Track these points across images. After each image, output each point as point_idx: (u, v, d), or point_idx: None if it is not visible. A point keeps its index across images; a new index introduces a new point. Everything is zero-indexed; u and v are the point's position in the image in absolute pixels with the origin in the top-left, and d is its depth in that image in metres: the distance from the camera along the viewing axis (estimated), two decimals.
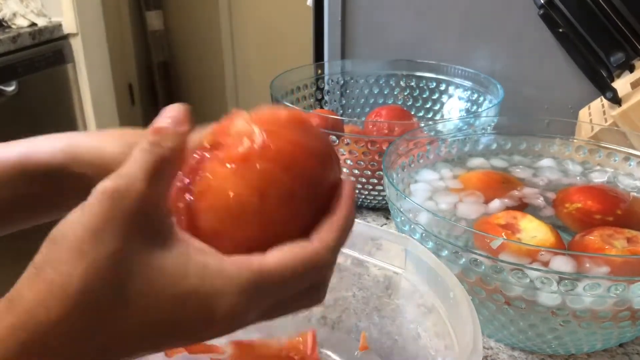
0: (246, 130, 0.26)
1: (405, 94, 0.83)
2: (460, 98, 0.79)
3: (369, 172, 0.63)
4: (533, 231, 0.46)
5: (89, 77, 1.85)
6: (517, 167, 0.60)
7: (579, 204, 0.51)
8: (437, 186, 0.56)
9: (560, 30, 0.71)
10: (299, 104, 0.79)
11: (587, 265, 0.39)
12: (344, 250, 0.44)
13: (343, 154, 0.63)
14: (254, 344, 0.44)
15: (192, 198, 0.26)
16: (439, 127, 0.62)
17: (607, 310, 0.39)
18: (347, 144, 0.62)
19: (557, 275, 0.38)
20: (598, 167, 0.59)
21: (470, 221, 0.50)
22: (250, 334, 0.47)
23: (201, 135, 0.27)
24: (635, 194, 0.55)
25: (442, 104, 0.81)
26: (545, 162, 0.61)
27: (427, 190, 0.55)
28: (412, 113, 0.79)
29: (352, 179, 0.64)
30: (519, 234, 0.46)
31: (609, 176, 0.58)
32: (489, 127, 0.63)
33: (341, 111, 0.85)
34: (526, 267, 0.39)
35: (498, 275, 0.40)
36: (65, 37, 1.79)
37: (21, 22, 1.69)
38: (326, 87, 0.83)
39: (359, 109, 0.85)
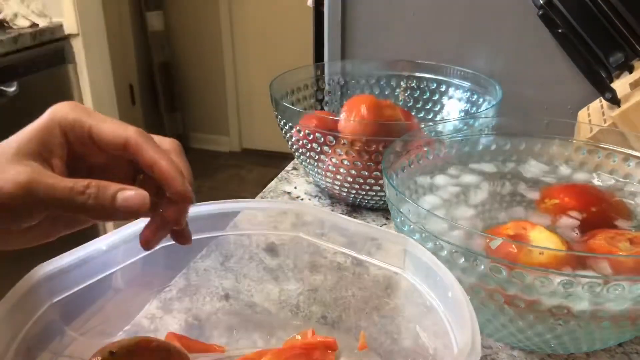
0: None
1: (406, 94, 0.84)
2: (460, 99, 0.79)
3: (366, 173, 0.63)
4: (543, 242, 0.46)
5: (89, 77, 1.85)
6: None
7: (556, 200, 0.52)
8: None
9: (560, 30, 0.71)
10: (299, 105, 0.79)
11: (603, 267, 0.40)
12: (344, 250, 0.44)
13: (340, 155, 0.63)
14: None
15: None
16: (439, 127, 0.63)
17: (626, 311, 0.39)
18: (344, 144, 0.62)
19: (585, 279, 0.38)
20: (586, 170, 0.60)
21: (477, 229, 0.51)
22: (250, 333, 0.47)
23: None
24: (622, 195, 0.55)
25: (443, 105, 0.81)
26: (538, 166, 0.61)
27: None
28: (413, 114, 0.80)
29: (350, 179, 0.65)
30: None
31: (604, 179, 0.58)
32: (486, 128, 0.63)
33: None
34: (552, 272, 0.39)
35: (498, 276, 0.40)
36: (66, 38, 1.79)
37: (22, 23, 1.69)
38: (327, 88, 0.83)
39: None
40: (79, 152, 0.35)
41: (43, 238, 0.36)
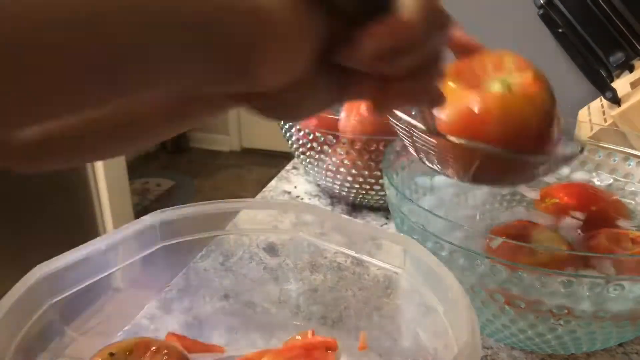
0: None
1: None
2: None
3: (367, 172, 0.63)
4: (545, 242, 0.46)
5: None
6: None
7: (556, 199, 0.52)
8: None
9: (560, 30, 0.71)
10: None
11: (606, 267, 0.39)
12: (344, 250, 0.44)
13: (341, 154, 0.63)
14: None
15: None
16: None
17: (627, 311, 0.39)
18: (345, 143, 0.62)
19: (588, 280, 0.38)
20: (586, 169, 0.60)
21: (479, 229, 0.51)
22: (250, 333, 0.47)
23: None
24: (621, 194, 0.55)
25: None
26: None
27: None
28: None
29: (350, 178, 0.65)
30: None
31: (604, 179, 0.58)
32: None
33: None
34: (552, 272, 0.39)
35: (498, 276, 0.40)
36: None
37: None
38: None
39: None
40: None
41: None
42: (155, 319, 0.47)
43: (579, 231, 0.49)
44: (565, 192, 0.54)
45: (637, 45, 0.67)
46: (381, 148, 0.61)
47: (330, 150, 0.64)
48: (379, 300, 0.45)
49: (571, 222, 0.50)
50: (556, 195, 0.54)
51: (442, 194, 0.57)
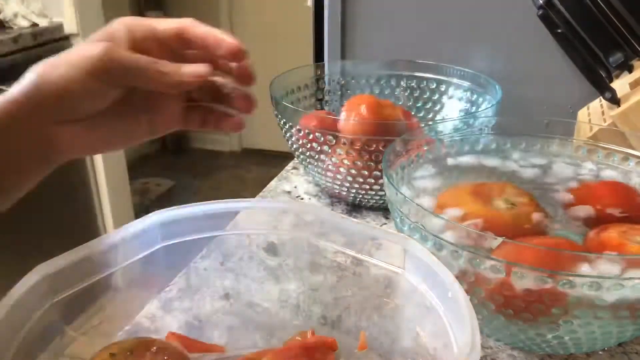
0: None
1: (406, 94, 0.84)
2: (459, 99, 0.79)
3: (366, 172, 0.63)
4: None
5: None
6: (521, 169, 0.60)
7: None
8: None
9: (559, 30, 0.71)
10: (299, 104, 0.79)
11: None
12: (344, 249, 0.44)
13: (340, 154, 0.63)
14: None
15: None
16: (439, 127, 0.63)
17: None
18: (345, 143, 0.62)
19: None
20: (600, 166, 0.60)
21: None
22: (250, 333, 0.47)
23: None
24: None
25: (443, 105, 0.81)
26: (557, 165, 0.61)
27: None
28: (413, 113, 0.80)
29: (350, 178, 0.65)
30: None
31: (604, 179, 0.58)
32: (486, 128, 0.63)
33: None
34: (550, 272, 0.39)
35: (497, 275, 0.40)
36: (67, 38, 1.79)
37: (22, 23, 1.69)
38: (327, 87, 0.83)
39: None
40: (140, 50, 0.40)
41: (124, 140, 0.44)
42: (155, 319, 0.47)
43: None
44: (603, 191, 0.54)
45: (636, 46, 0.67)
46: (381, 148, 0.61)
47: (330, 150, 0.64)
48: (379, 300, 0.45)
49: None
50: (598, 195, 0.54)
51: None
